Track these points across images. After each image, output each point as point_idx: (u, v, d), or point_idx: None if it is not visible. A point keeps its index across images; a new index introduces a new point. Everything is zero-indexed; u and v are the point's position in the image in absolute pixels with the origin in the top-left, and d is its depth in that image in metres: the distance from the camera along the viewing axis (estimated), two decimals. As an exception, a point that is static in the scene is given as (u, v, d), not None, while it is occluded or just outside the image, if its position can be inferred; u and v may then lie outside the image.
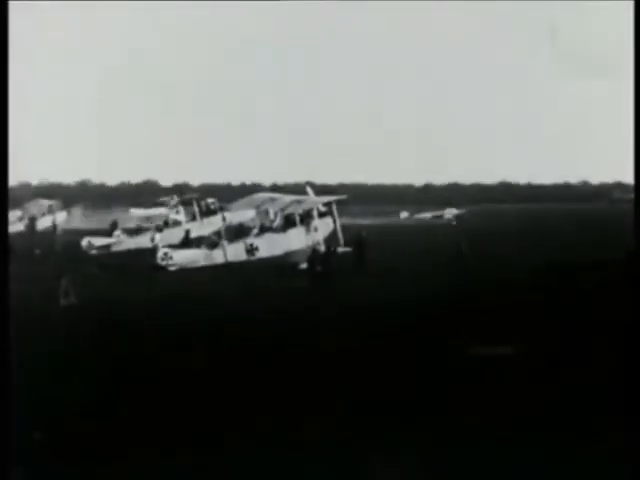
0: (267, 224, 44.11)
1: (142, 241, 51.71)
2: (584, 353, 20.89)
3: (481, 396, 17.25)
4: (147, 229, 53.43)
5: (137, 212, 54.75)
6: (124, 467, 13.63)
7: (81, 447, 14.44)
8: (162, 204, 57.29)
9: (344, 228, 42.97)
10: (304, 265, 38.33)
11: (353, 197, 55.82)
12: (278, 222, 43.71)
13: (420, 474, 13.28)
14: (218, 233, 45.22)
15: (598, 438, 14.59)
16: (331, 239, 42.08)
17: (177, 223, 53.81)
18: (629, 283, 23.78)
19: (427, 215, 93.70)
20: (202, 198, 55.68)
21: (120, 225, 54.86)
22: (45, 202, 71.75)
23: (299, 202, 43.17)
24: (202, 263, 41.31)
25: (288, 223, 43.10)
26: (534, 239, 57.10)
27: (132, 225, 54.98)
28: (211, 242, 43.63)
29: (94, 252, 50.84)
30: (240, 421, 15.77)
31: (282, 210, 43.28)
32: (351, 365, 19.92)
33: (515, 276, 36.93)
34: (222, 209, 52.48)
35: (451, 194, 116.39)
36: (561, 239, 55.78)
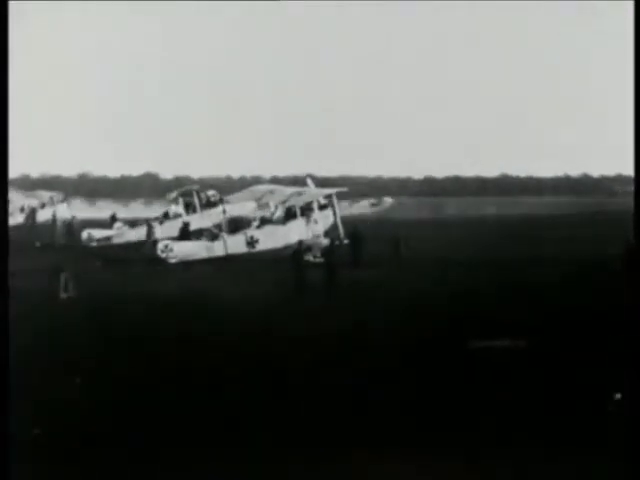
0: (267, 216, 44.00)
1: (142, 233, 51.61)
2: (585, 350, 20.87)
3: (476, 390, 17.25)
4: (147, 221, 53.30)
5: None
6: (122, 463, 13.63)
7: (81, 442, 14.43)
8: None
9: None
10: (309, 257, 38.19)
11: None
12: (278, 214, 43.62)
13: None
14: (218, 225, 45.16)
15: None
16: (331, 231, 41.99)
17: (177, 215, 53.64)
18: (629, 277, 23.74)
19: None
20: (202, 190, 55.52)
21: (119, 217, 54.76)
22: (45, 194, 71.68)
23: (299, 194, 43.08)
24: (202, 255, 41.25)
25: (288, 215, 43.00)
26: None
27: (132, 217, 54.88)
28: (211, 234, 43.53)
29: (94, 244, 50.77)
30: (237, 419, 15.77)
31: (282, 202, 43.18)
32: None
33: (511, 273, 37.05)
34: (222, 201, 52.34)
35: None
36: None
